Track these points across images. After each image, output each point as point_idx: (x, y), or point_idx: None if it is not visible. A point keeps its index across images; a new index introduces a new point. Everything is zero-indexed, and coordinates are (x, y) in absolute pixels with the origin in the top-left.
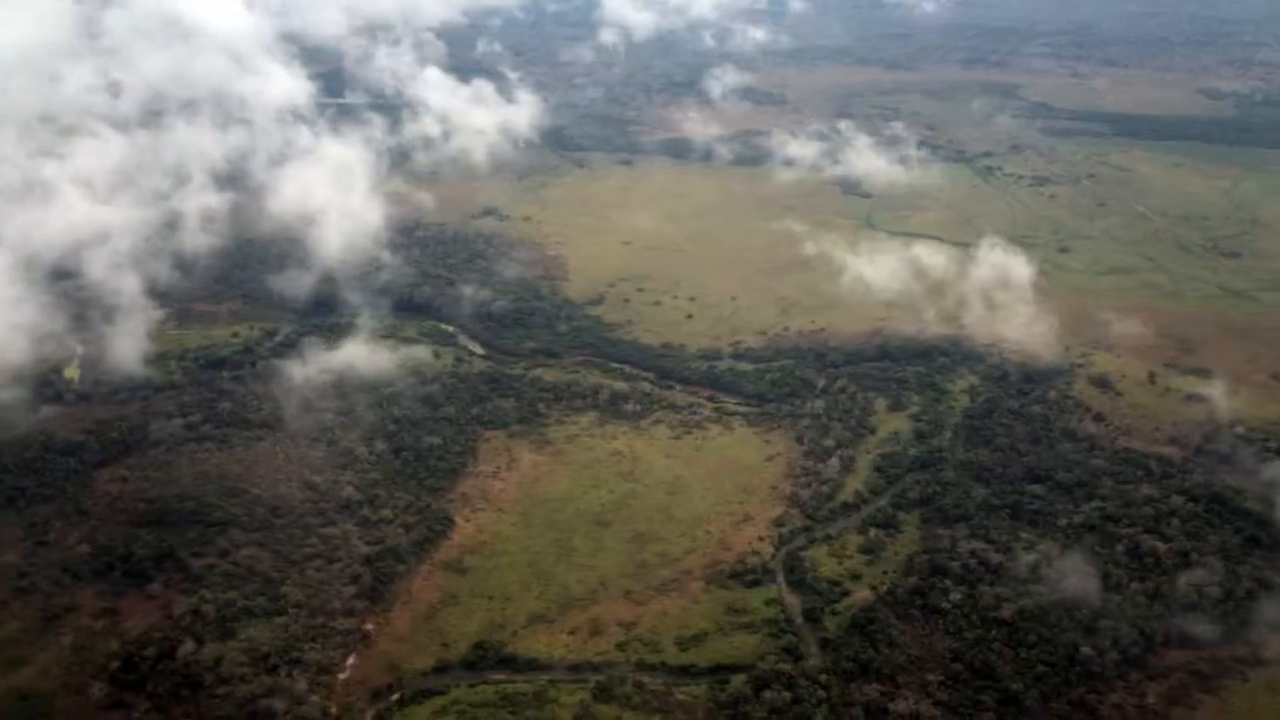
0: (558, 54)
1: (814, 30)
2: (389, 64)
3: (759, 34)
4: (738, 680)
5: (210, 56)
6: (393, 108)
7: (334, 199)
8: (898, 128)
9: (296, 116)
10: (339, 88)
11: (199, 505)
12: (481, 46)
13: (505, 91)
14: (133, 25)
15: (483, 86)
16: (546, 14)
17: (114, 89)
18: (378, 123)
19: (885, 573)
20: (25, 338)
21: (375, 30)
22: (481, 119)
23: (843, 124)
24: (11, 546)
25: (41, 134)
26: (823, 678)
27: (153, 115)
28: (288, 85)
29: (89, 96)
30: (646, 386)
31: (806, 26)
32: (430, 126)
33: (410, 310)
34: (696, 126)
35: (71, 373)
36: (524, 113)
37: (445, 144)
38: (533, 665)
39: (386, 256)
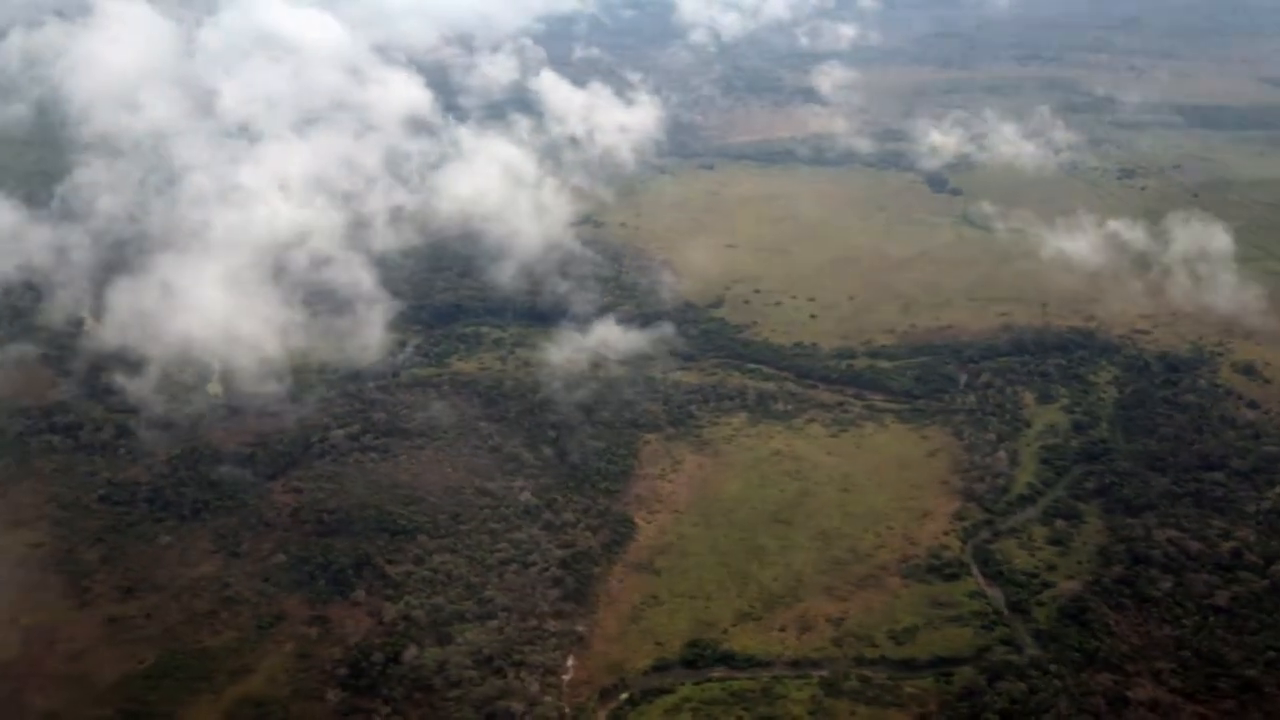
0: (653, 57)
1: (898, 26)
2: (494, 71)
3: (849, 30)
4: (964, 672)
5: (322, 69)
6: (534, 113)
7: (469, 208)
8: (976, 124)
9: (426, 124)
10: (448, 96)
11: (380, 514)
12: (579, 51)
13: (623, 94)
14: (228, 42)
15: (600, 89)
16: (623, 18)
17: (268, 101)
18: (516, 127)
19: (1079, 563)
20: (275, 332)
21: (464, 39)
22: (619, 120)
23: (917, 123)
24: (206, 558)
25: (231, 143)
26: (1053, 667)
27: (303, 124)
28: (410, 93)
29: (244, 108)
30: (791, 386)
31: (889, 24)
32: (574, 128)
33: (533, 318)
34: (769, 130)
35: (214, 388)
36: (651, 115)
37: (589, 148)
38: (752, 662)
39: (498, 263)
